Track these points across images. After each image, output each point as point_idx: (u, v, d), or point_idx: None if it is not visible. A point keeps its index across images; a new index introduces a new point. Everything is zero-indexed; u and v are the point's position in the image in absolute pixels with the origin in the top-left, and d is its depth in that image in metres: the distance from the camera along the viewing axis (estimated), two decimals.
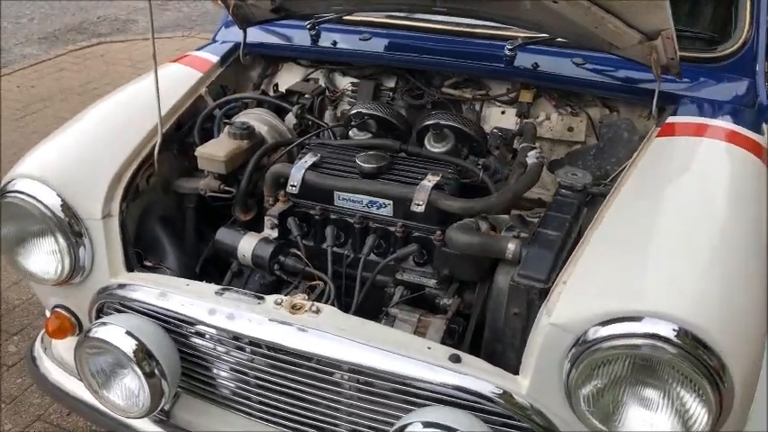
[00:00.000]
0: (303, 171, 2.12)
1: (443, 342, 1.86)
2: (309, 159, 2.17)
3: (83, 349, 1.96)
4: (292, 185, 2.12)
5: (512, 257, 1.82)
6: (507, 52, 2.44)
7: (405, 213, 2.04)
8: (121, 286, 2.03)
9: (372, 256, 2.09)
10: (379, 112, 2.39)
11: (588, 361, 1.53)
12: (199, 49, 2.82)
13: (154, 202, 2.30)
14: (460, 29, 2.60)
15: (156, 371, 1.90)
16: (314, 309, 1.84)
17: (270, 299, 1.88)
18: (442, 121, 2.29)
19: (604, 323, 1.53)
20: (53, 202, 2.03)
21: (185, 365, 2.03)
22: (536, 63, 2.43)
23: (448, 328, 1.90)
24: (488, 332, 1.87)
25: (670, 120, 2.21)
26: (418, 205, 1.98)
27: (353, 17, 2.75)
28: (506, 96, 2.52)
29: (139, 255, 2.16)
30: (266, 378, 1.91)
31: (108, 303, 2.05)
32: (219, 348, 1.94)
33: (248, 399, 2.02)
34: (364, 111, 2.40)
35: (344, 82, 2.75)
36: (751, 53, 2.44)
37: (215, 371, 2.02)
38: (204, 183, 2.24)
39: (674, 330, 1.47)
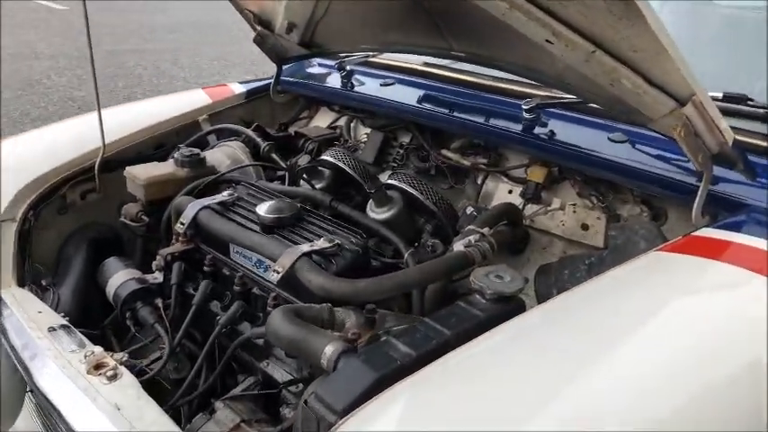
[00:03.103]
0: (198, 209, 1.71)
1: None
2: (220, 198, 1.76)
3: None
4: (182, 223, 1.72)
5: (326, 366, 1.23)
6: (525, 114, 1.81)
7: (288, 282, 1.52)
8: None
9: (249, 329, 1.60)
10: (341, 163, 1.90)
11: None
12: (242, 82, 2.58)
13: (91, 223, 2.05)
14: (490, 83, 2.02)
15: None
16: (110, 374, 1.42)
17: (89, 350, 1.50)
18: (392, 181, 1.74)
19: None
20: None
21: None
22: (552, 132, 1.77)
23: None
24: None
25: (702, 232, 1.42)
26: (276, 272, 1.46)
27: (384, 61, 2.31)
28: (524, 171, 1.87)
29: (39, 271, 1.92)
30: None
31: None
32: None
33: None
34: (329, 159, 1.93)
35: (362, 131, 2.30)
36: None
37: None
38: (126, 207, 1.94)
39: None
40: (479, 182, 1.93)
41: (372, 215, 1.73)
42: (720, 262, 1.31)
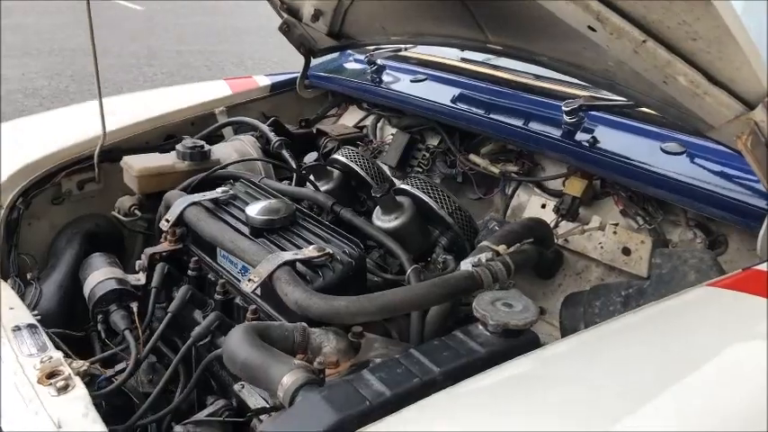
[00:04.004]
0: (185, 205, 1.53)
1: None
2: (212, 194, 1.57)
3: None
4: (167, 219, 1.55)
5: (282, 399, 1.01)
6: (565, 118, 1.56)
7: (270, 294, 1.32)
8: None
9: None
10: (353, 163, 1.69)
11: None
12: (269, 75, 2.41)
13: (89, 215, 1.90)
14: (530, 81, 1.79)
15: None
16: (61, 384, 1.25)
17: (48, 355, 1.34)
18: (404, 186, 1.52)
19: None
20: None
21: None
22: (595, 138, 1.51)
23: None
24: None
25: (762, 266, 1.15)
26: (251, 281, 1.26)
27: (417, 55, 2.10)
28: (561, 183, 1.62)
29: (25, 263, 1.78)
30: None
31: None
32: None
33: None
34: (340, 158, 1.73)
35: (389, 132, 2.08)
36: None
37: None
38: (120, 200, 1.78)
39: None
40: (509, 192, 1.69)
41: (378, 223, 1.51)
42: None
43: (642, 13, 1.16)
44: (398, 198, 1.52)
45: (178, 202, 1.54)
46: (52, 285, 1.73)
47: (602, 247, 1.50)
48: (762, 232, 1.20)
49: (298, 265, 1.30)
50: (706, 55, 1.14)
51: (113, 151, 1.89)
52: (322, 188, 1.69)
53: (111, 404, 1.46)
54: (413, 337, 1.30)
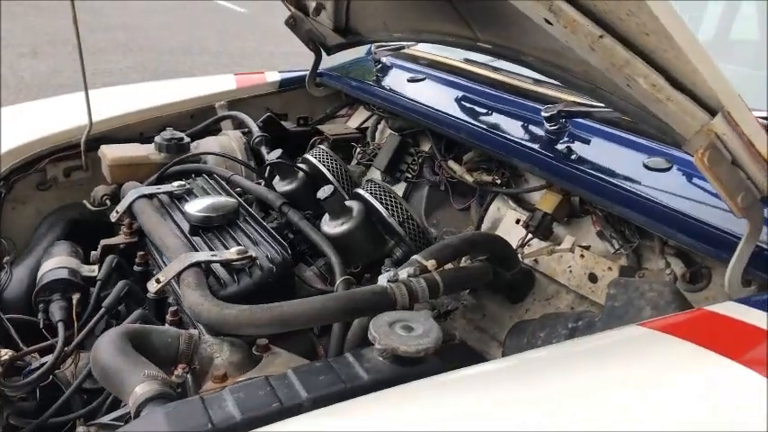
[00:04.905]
0: (134, 197, 1.47)
1: None
2: (167, 188, 1.51)
3: None
4: (116, 211, 1.49)
5: (131, 410, 0.92)
6: (546, 125, 1.39)
7: None
8: None
9: None
10: (321, 164, 1.58)
11: None
12: (283, 71, 2.34)
13: (76, 203, 1.87)
14: (527, 86, 1.62)
15: None
16: None
17: None
18: (359, 190, 1.40)
19: None
20: None
21: None
22: (569, 149, 1.33)
23: None
24: None
25: (721, 307, 0.95)
26: (157, 282, 1.18)
27: (423, 54, 1.97)
28: (540, 195, 1.44)
29: (4, 246, 1.78)
30: None
31: None
32: None
33: None
34: (308, 157, 1.62)
35: (387, 134, 1.96)
36: None
37: None
38: (96, 189, 1.75)
39: None
40: (484, 204, 1.53)
41: (325, 228, 1.39)
42: (732, 360, 0.84)
43: (597, 5, 1.00)
44: (349, 203, 1.40)
45: (129, 194, 1.48)
46: (23, 270, 1.71)
47: (570, 272, 1.32)
48: (730, 266, 1.01)
49: (219, 267, 1.21)
50: (663, 53, 0.97)
51: (102, 140, 1.86)
52: (284, 187, 1.59)
53: (52, 396, 1.42)
54: (330, 353, 1.18)
